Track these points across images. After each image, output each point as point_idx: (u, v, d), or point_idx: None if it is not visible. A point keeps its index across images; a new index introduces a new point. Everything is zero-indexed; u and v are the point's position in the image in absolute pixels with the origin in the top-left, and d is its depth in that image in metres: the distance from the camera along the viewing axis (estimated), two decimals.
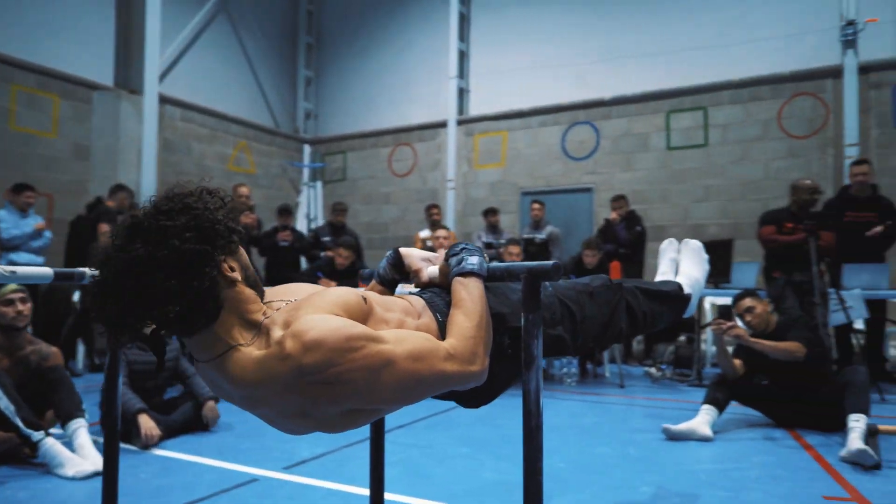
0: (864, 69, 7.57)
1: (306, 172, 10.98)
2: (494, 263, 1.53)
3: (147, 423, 3.24)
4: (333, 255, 5.70)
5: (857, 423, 3.27)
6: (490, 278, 1.52)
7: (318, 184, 10.68)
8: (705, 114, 8.49)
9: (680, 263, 2.21)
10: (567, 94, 9.34)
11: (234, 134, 9.99)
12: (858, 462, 3.06)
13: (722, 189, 8.28)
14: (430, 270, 1.66)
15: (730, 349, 4.04)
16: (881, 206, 5.53)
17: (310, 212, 10.38)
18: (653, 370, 5.86)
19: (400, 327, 1.36)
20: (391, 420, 3.85)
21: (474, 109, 10.17)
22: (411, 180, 10.47)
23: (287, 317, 1.19)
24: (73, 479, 2.77)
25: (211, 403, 3.65)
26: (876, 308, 5.41)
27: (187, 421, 3.58)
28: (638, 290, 1.90)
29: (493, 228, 7.74)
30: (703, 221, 8.25)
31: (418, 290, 1.68)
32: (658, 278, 2.21)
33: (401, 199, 10.50)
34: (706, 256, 2.18)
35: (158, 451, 3.25)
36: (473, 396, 1.57)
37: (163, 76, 8.78)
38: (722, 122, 8.38)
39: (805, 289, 5.11)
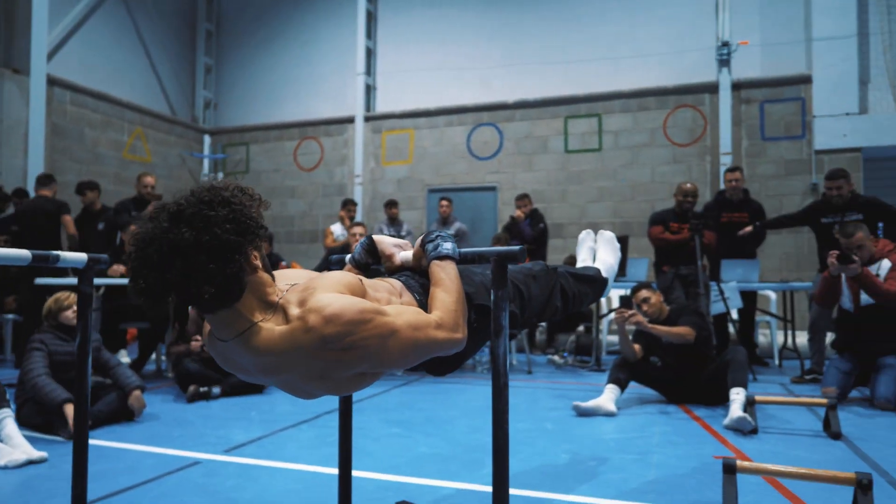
0: (737, 86, 8.44)
1: (206, 163, 10.68)
2: (466, 248, 1.76)
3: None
4: None
5: (737, 396, 3.76)
6: (463, 261, 1.74)
7: (220, 175, 10.43)
8: (599, 120, 9.11)
9: (597, 251, 2.55)
10: (472, 95, 9.70)
11: (129, 121, 9.55)
12: (739, 428, 3.53)
13: (614, 191, 8.93)
14: (403, 255, 1.85)
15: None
16: (752, 209, 6.23)
17: None
18: (556, 358, 6.28)
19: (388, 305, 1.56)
20: (322, 404, 3.97)
21: (381, 107, 10.31)
22: (318, 174, 10.45)
23: (300, 297, 1.37)
24: (4, 468, 2.70)
25: (137, 393, 3.61)
26: (747, 299, 6.10)
27: (113, 411, 3.52)
28: (568, 274, 2.22)
29: (393, 220, 7.95)
30: (597, 220, 8.85)
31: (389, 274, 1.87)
32: (579, 264, 2.53)
33: (307, 194, 10.46)
34: (618, 245, 2.53)
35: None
36: (442, 364, 1.78)
37: (50, 56, 8.28)
38: (614, 129, 9.04)
39: (690, 281, 5.70)
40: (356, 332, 1.32)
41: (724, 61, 8.46)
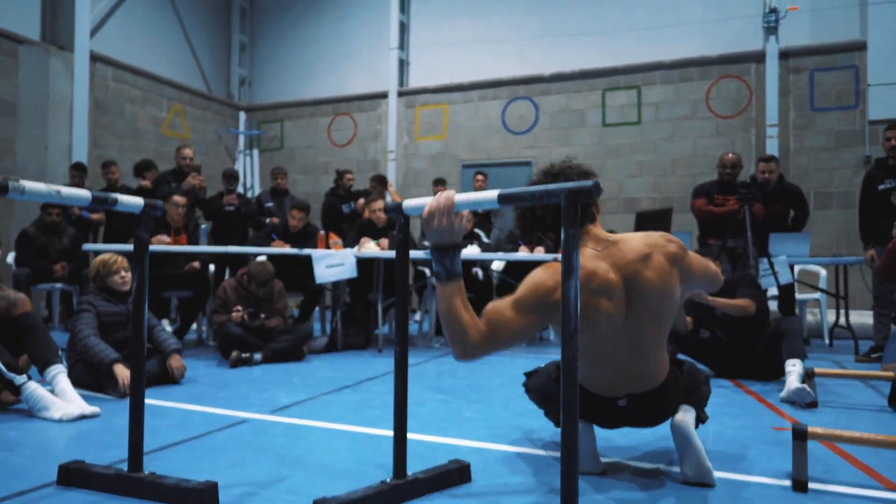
0: (785, 55, 8.13)
1: (242, 140, 10.71)
2: (535, 187, 1.62)
3: (124, 373, 3.18)
4: (287, 218, 5.68)
5: (794, 367, 3.60)
6: (530, 199, 1.63)
7: (255, 152, 10.45)
8: (639, 92, 8.87)
9: None
10: (507, 69, 9.52)
11: (167, 97, 9.61)
12: (797, 400, 3.38)
13: (654, 165, 8.71)
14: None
15: None
16: (786, 198, 5.76)
17: (246, 180, 10.14)
18: None
19: None
20: (363, 372, 3.94)
21: (415, 81, 10.19)
22: (351, 150, 10.40)
23: None
24: (59, 421, 2.71)
25: (177, 356, 3.61)
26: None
27: (155, 374, 3.52)
28: None
29: None
30: (636, 195, 8.66)
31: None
32: None
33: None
34: None
35: None
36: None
37: (93, 33, 8.33)
38: (654, 101, 8.79)
39: (738, 254, 5.49)
40: None
41: (771, 29, 8.14)
